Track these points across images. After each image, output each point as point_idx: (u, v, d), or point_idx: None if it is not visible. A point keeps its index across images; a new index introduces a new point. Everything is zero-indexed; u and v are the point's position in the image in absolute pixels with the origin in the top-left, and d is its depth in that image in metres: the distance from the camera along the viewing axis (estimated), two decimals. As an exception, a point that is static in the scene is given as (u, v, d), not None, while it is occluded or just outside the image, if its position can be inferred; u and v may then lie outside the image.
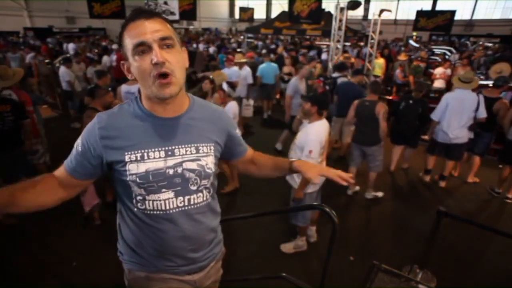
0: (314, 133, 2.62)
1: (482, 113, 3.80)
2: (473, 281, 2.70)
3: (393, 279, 1.75)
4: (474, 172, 4.37)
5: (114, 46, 9.74)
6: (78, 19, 19.59)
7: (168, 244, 1.08)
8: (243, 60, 6.37)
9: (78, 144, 1.02)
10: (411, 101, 4.24)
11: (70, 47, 11.25)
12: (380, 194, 4.00)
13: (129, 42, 0.92)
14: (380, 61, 8.40)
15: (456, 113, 3.85)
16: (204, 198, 1.11)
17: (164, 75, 0.91)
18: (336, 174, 1.13)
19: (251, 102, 6.62)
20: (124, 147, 0.98)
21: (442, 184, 4.35)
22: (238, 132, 1.24)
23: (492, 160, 4.67)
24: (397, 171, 4.79)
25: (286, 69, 7.22)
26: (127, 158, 0.98)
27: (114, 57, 7.99)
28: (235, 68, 6.02)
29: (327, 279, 1.52)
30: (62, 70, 6.05)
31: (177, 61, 0.94)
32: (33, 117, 3.68)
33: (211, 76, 4.09)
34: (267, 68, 6.73)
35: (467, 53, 11.48)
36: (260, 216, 2.16)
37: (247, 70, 6.23)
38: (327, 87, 4.62)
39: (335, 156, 5.04)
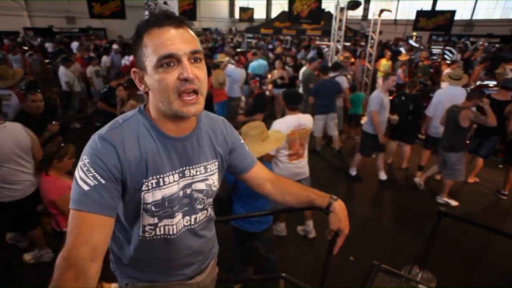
0: (278, 125, 2.78)
1: None
2: (473, 281, 2.70)
3: (393, 279, 1.74)
4: (475, 173, 4.38)
5: (115, 46, 9.72)
6: (78, 19, 19.57)
7: (175, 263, 1.06)
8: (225, 59, 6.43)
9: (94, 176, 0.80)
10: (403, 98, 4.50)
11: (74, 46, 11.31)
12: (454, 202, 3.85)
13: (152, 51, 0.79)
14: (388, 63, 8.35)
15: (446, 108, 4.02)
16: (207, 215, 1.10)
17: (192, 92, 0.82)
18: (339, 245, 1.15)
19: (243, 98, 6.72)
20: (140, 173, 0.87)
21: (438, 177, 4.46)
22: (243, 142, 1.18)
23: (492, 160, 4.67)
24: (397, 171, 4.79)
25: (277, 72, 6.78)
26: (144, 187, 0.88)
27: (115, 57, 7.96)
28: (241, 69, 6.02)
29: (327, 279, 1.52)
30: (61, 70, 6.04)
31: (204, 77, 0.85)
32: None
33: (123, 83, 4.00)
34: (258, 65, 7.00)
35: (468, 54, 11.44)
36: (260, 216, 2.15)
37: (242, 70, 6.28)
38: (264, 87, 4.49)
39: (330, 152, 5.04)
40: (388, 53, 8.57)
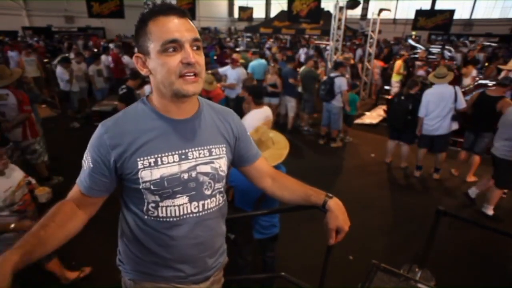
0: (248, 120, 2.91)
1: (461, 104, 4.10)
2: (472, 281, 2.71)
3: (392, 278, 1.74)
4: (473, 171, 4.38)
5: (111, 45, 9.68)
6: (77, 18, 19.52)
7: (179, 251, 1.04)
8: (242, 60, 6.39)
9: (88, 160, 0.94)
10: (402, 97, 4.51)
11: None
12: None
13: (158, 36, 0.86)
14: (396, 63, 8.08)
15: (437, 107, 4.11)
16: (217, 203, 1.08)
17: (193, 75, 0.90)
18: (338, 240, 1.13)
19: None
20: (136, 153, 0.93)
21: (436, 176, 4.49)
22: (249, 135, 1.20)
23: (491, 159, 4.67)
24: (396, 170, 4.79)
25: (270, 78, 6.02)
26: (140, 165, 0.93)
27: (110, 58, 7.88)
28: (239, 69, 5.95)
29: (326, 279, 1.52)
30: (59, 70, 6.01)
31: (203, 64, 0.93)
32: (31, 117, 3.67)
33: None
34: (258, 65, 6.99)
35: (471, 54, 11.46)
36: (260, 215, 2.15)
37: (241, 70, 6.24)
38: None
39: (329, 150, 5.03)
40: (384, 51, 8.52)
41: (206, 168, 1.01)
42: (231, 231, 2.27)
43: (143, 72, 0.94)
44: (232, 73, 5.79)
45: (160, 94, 0.95)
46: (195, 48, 0.90)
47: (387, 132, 5.07)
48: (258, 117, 3.02)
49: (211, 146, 1.03)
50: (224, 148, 1.06)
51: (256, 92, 3.19)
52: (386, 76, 8.56)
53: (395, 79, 7.93)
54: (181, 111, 0.98)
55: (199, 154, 1.00)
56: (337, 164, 5.03)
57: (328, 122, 5.57)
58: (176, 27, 0.87)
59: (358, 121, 6.77)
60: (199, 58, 0.90)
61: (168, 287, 1.10)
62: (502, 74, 6.05)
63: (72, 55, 7.33)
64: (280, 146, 2.09)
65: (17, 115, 3.45)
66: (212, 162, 1.02)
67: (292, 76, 5.84)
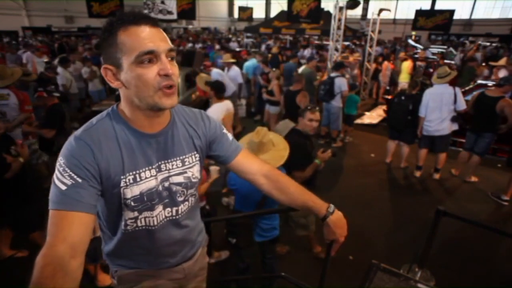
0: (211, 113, 3.06)
1: (461, 106, 4.03)
2: (472, 280, 2.71)
3: (392, 278, 1.74)
4: (473, 171, 4.38)
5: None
6: (77, 18, 19.55)
7: (158, 251, 1.09)
8: (231, 60, 6.35)
9: (70, 175, 0.81)
10: (403, 97, 4.49)
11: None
12: None
13: (131, 47, 0.81)
14: (407, 64, 7.91)
15: (436, 107, 4.09)
16: (190, 205, 1.11)
17: (170, 87, 0.86)
18: (335, 250, 1.18)
19: (243, 102, 6.63)
20: (117, 169, 0.89)
21: (436, 176, 4.47)
22: (226, 131, 1.18)
23: (491, 159, 4.68)
24: (396, 170, 4.80)
25: (271, 84, 5.54)
26: (122, 183, 0.91)
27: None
28: (216, 70, 5.87)
29: (326, 279, 1.52)
30: (60, 71, 5.99)
31: (178, 74, 0.90)
32: (31, 117, 3.67)
33: None
34: (252, 65, 7.06)
35: (470, 53, 11.48)
36: (260, 215, 2.15)
37: (235, 70, 6.23)
38: (56, 94, 3.63)
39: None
40: (384, 51, 8.52)
41: (179, 179, 1.02)
42: (232, 235, 2.27)
43: (114, 85, 0.88)
44: (214, 74, 5.63)
45: (133, 107, 0.90)
46: (169, 58, 0.86)
47: (387, 132, 5.06)
48: (220, 109, 3.33)
49: (184, 156, 1.03)
50: (197, 155, 1.07)
51: (218, 88, 3.53)
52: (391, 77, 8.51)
53: (404, 80, 7.76)
54: (155, 124, 0.95)
55: (172, 165, 1.00)
56: (337, 164, 5.03)
57: (328, 122, 5.57)
58: (150, 37, 0.82)
59: (358, 121, 6.77)
60: (175, 69, 0.87)
61: (152, 273, 1.14)
62: (500, 74, 6.04)
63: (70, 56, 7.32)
64: (280, 147, 2.09)
65: (18, 115, 3.46)
66: (185, 172, 1.03)
67: (295, 70, 6.17)
